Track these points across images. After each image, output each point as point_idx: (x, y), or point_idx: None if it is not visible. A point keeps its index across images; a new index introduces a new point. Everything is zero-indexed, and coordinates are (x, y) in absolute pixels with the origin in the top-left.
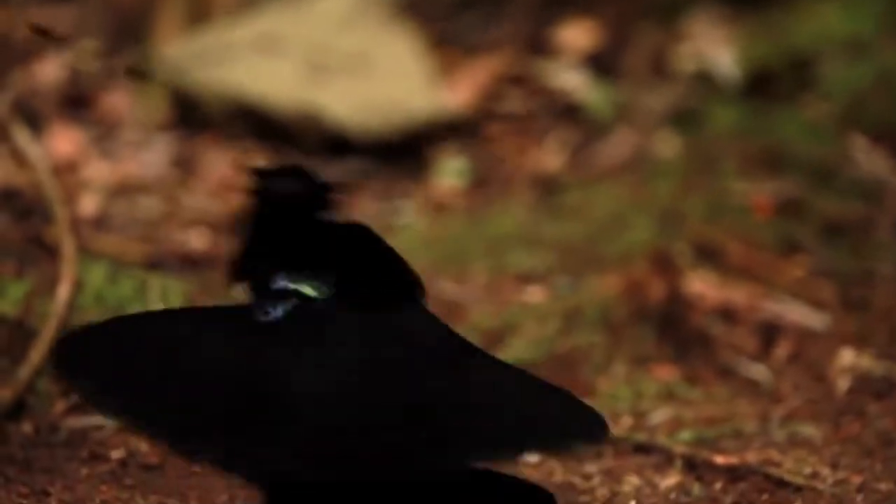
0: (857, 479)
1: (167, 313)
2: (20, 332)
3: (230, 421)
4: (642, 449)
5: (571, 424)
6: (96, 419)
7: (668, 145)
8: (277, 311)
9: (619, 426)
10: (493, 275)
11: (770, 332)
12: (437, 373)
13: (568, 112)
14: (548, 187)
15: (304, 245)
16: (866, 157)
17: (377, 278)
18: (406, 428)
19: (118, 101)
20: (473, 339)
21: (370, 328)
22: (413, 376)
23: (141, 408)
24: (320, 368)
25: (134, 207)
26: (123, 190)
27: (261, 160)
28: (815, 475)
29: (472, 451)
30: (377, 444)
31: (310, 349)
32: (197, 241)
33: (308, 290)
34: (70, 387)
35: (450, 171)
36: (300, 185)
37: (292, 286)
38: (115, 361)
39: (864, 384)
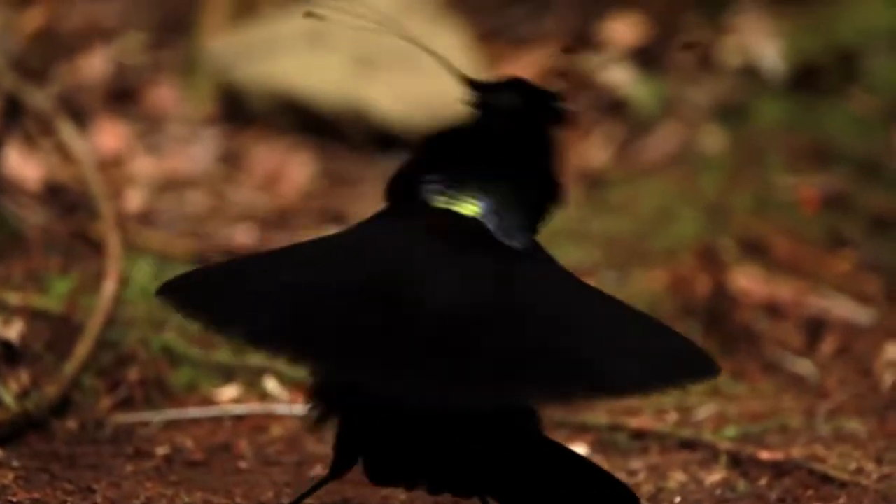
0: None
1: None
2: (66, 328)
3: (368, 333)
4: (688, 445)
5: (690, 362)
6: (142, 415)
7: (714, 139)
8: (422, 220)
9: (665, 422)
10: None
11: (816, 327)
12: (572, 303)
13: (614, 106)
14: (594, 182)
15: (500, 163)
16: None
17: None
18: (542, 354)
19: (164, 95)
20: None
21: (504, 260)
22: (552, 304)
23: (276, 328)
24: (457, 286)
25: (180, 202)
26: (169, 185)
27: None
28: (860, 471)
29: (597, 385)
30: (513, 370)
31: (448, 264)
32: (243, 235)
33: (464, 206)
34: (192, 315)
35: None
36: (523, 97)
37: (452, 199)
38: (237, 287)
39: None
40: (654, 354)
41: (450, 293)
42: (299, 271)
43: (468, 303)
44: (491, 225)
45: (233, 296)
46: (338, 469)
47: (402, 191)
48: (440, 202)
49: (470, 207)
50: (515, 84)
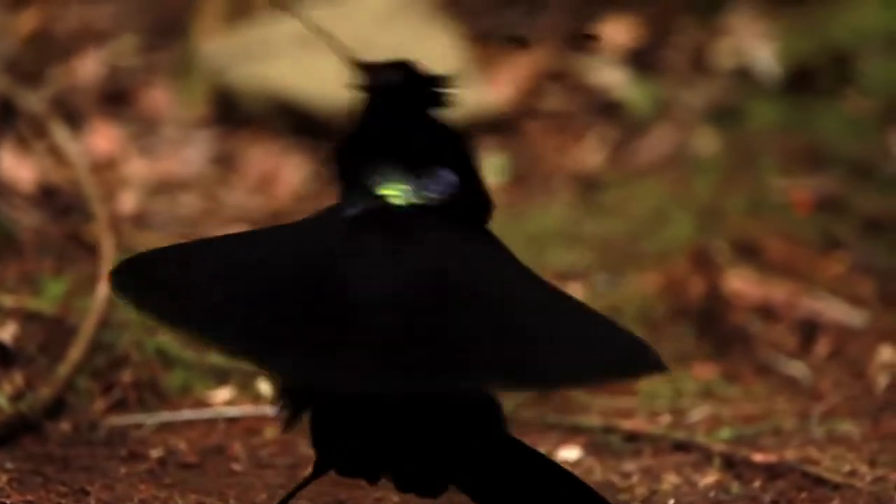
0: (895, 477)
1: (227, 236)
2: (59, 330)
3: (303, 325)
4: (681, 447)
5: (632, 355)
6: (136, 417)
7: (707, 142)
8: (355, 210)
9: (658, 424)
10: None
11: (809, 330)
12: (510, 292)
13: (608, 108)
14: (587, 184)
15: (402, 146)
16: None
17: (464, 193)
18: (477, 341)
19: (158, 97)
20: None
21: (446, 239)
22: (488, 292)
23: (205, 315)
24: (390, 274)
25: (173, 204)
26: (163, 187)
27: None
28: (853, 473)
29: (531, 375)
30: (446, 356)
31: (381, 253)
32: None
33: (394, 192)
34: (134, 305)
35: (489, 168)
36: (406, 78)
37: (380, 187)
38: (179, 275)
39: None
40: (594, 346)
41: (383, 281)
42: (236, 261)
43: (402, 290)
44: (421, 207)
45: (170, 285)
46: (320, 467)
47: (338, 181)
48: (373, 190)
49: (398, 194)
50: (400, 65)
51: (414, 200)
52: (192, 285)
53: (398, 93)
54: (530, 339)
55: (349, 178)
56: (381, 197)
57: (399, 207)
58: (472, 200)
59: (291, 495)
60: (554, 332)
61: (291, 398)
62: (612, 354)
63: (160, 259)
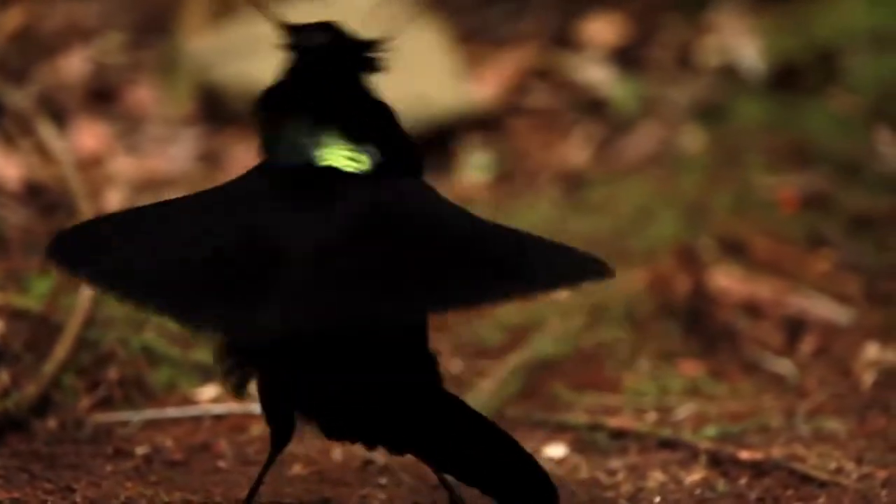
0: (882, 474)
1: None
2: (45, 328)
3: (227, 283)
4: (667, 444)
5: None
6: (121, 415)
7: (693, 139)
8: (283, 167)
9: (644, 422)
10: None
11: (795, 327)
12: (442, 224)
13: (593, 106)
14: (573, 181)
15: (333, 107)
16: (892, 151)
17: (394, 148)
18: (406, 268)
19: (143, 95)
20: (498, 335)
21: (373, 189)
22: (421, 224)
23: (138, 278)
24: (318, 224)
25: None
26: (149, 184)
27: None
28: (839, 470)
29: (482, 288)
30: (378, 291)
31: (309, 205)
32: None
33: (333, 157)
34: (69, 271)
35: (475, 165)
36: (333, 40)
37: (307, 143)
38: (115, 241)
39: (889, 378)
40: (545, 256)
41: (310, 234)
42: (168, 224)
43: (329, 241)
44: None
45: (105, 251)
46: (278, 441)
47: (267, 145)
48: (305, 150)
49: (338, 159)
50: (325, 26)
51: (352, 167)
52: (126, 250)
53: (325, 53)
54: (466, 260)
55: (273, 135)
56: (312, 157)
57: (330, 167)
58: (402, 165)
59: (259, 482)
60: (491, 249)
61: (233, 360)
62: (570, 262)
63: (96, 227)
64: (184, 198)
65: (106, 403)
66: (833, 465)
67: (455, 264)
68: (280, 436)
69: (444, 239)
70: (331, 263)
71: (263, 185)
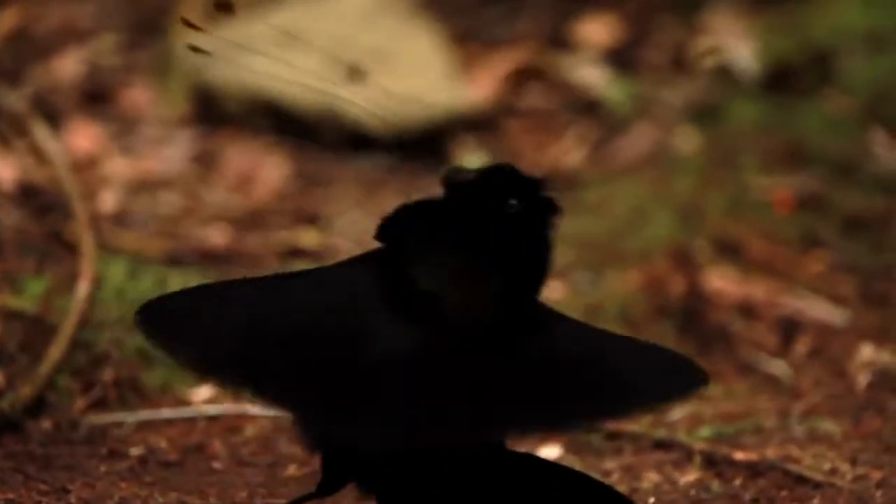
0: (876, 475)
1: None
2: (40, 329)
3: (321, 379)
4: (662, 445)
5: (673, 378)
6: (116, 416)
7: (687, 140)
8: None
9: (639, 423)
10: None
11: (790, 328)
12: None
13: (588, 107)
14: (567, 182)
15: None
16: (887, 152)
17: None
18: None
19: (138, 96)
20: None
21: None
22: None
23: (234, 364)
24: (411, 331)
25: (154, 203)
26: (143, 186)
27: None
28: (834, 471)
29: (572, 414)
30: (470, 410)
31: (401, 311)
32: (217, 236)
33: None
34: (165, 353)
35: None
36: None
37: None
38: (208, 321)
39: (884, 380)
40: (654, 372)
41: (410, 337)
42: (266, 308)
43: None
44: None
45: (192, 326)
46: (323, 489)
47: (385, 238)
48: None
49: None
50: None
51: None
52: (220, 332)
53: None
54: (599, 378)
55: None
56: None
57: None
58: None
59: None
60: (606, 371)
61: (331, 461)
62: (674, 376)
63: (186, 303)
64: (283, 276)
65: (100, 404)
66: (828, 466)
67: (570, 389)
68: (329, 487)
69: (561, 362)
70: (440, 378)
71: (375, 288)
